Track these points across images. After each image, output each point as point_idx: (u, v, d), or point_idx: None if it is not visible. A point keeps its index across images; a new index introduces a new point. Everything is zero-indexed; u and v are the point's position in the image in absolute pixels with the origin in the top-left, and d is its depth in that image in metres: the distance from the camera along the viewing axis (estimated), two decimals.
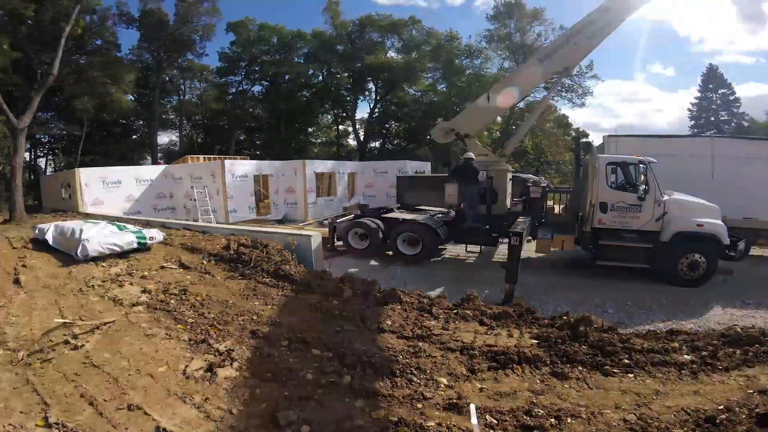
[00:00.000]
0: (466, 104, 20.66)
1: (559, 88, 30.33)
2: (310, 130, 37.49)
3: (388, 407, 3.10)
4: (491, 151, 10.82)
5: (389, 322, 4.72)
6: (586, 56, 10.41)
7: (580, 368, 3.77)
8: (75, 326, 4.30)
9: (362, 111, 42.91)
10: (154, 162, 27.43)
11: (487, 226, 9.50)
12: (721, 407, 3.00)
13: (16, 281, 5.76)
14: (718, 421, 2.80)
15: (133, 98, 30.09)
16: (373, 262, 9.51)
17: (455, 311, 5.25)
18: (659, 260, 7.90)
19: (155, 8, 28.03)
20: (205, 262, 6.73)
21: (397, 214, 10.55)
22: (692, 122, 37.89)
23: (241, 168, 14.57)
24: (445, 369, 3.69)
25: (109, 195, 13.13)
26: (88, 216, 10.37)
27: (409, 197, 12.88)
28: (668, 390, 3.40)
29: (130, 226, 7.64)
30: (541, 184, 9.89)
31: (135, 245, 7.11)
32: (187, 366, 3.59)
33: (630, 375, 3.67)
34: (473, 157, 9.88)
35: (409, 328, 4.57)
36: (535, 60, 10.67)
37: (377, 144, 36.44)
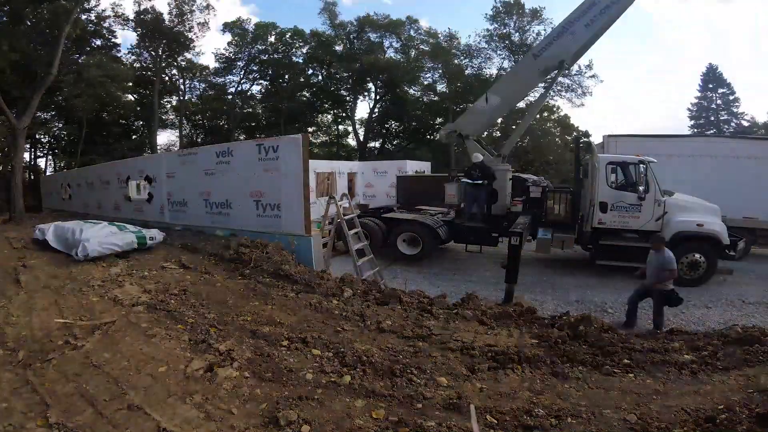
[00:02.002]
0: (467, 106, 20.59)
1: (558, 88, 30.35)
2: (310, 130, 37.53)
3: (388, 407, 3.10)
4: (493, 152, 10.80)
5: (389, 322, 4.71)
6: (583, 48, 9.71)
7: (580, 368, 3.77)
8: (75, 326, 4.30)
9: (362, 111, 43.00)
10: None
11: (488, 227, 9.53)
12: (721, 407, 3.00)
13: (16, 281, 5.76)
14: (718, 421, 2.79)
15: (132, 98, 30.11)
16: None
17: (455, 311, 5.25)
18: None
19: (149, 7, 28.05)
20: (205, 262, 6.73)
21: (397, 214, 10.54)
22: (692, 122, 37.91)
23: None
24: (445, 369, 3.68)
25: None
26: None
27: (409, 197, 12.88)
28: (668, 390, 3.40)
29: (130, 227, 7.64)
30: (541, 184, 9.90)
31: (135, 245, 7.12)
32: (187, 366, 3.59)
33: (630, 375, 3.67)
34: (482, 157, 9.87)
35: (409, 328, 4.57)
36: (530, 56, 10.49)
37: (377, 144, 36.47)
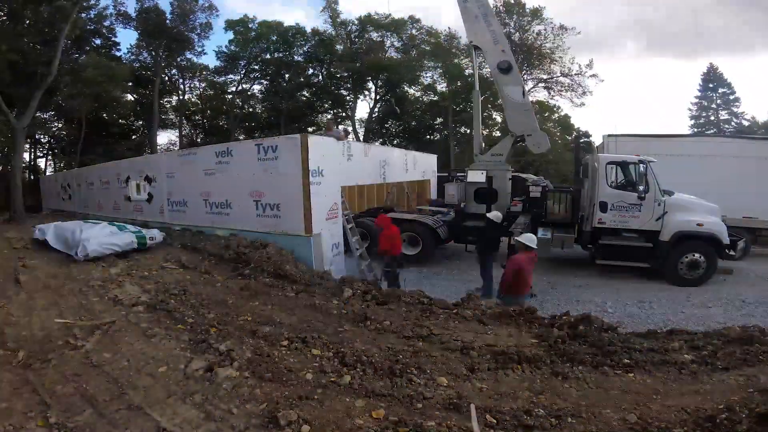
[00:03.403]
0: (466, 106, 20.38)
1: (559, 88, 30.34)
2: (310, 129, 37.52)
3: (388, 407, 3.10)
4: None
5: (389, 322, 4.71)
6: None
7: (580, 368, 3.76)
8: (75, 326, 4.30)
9: (362, 111, 42.96)
10: None
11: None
12: (721, 407, 3.00)
13: (16, 281, 5.77)
14: (718, 420, 2.79)
15: (132, 98, 30.08)
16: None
17: (455, 311, 5.25)
18: (659, 260, 7.90)
19: (152, 6, 28.00)
20: (205, 262, 6.73)
21: (397, 214, 10.54)
22: (692, 122, 37.90)
23: None
24: (445, 369, 3.68)
25: None
26: None
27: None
28: (668, 390, 3.40)
29: (130, 227, 7.64)
30: (541, 184, 9.90)
31: (135, 245, 7.13)
32: (187, 366, 3.59)
33: (630, 375, 3.67)
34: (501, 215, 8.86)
35: (409, 328, 4.57)
36: None
37: (377, 144, 36.49)
